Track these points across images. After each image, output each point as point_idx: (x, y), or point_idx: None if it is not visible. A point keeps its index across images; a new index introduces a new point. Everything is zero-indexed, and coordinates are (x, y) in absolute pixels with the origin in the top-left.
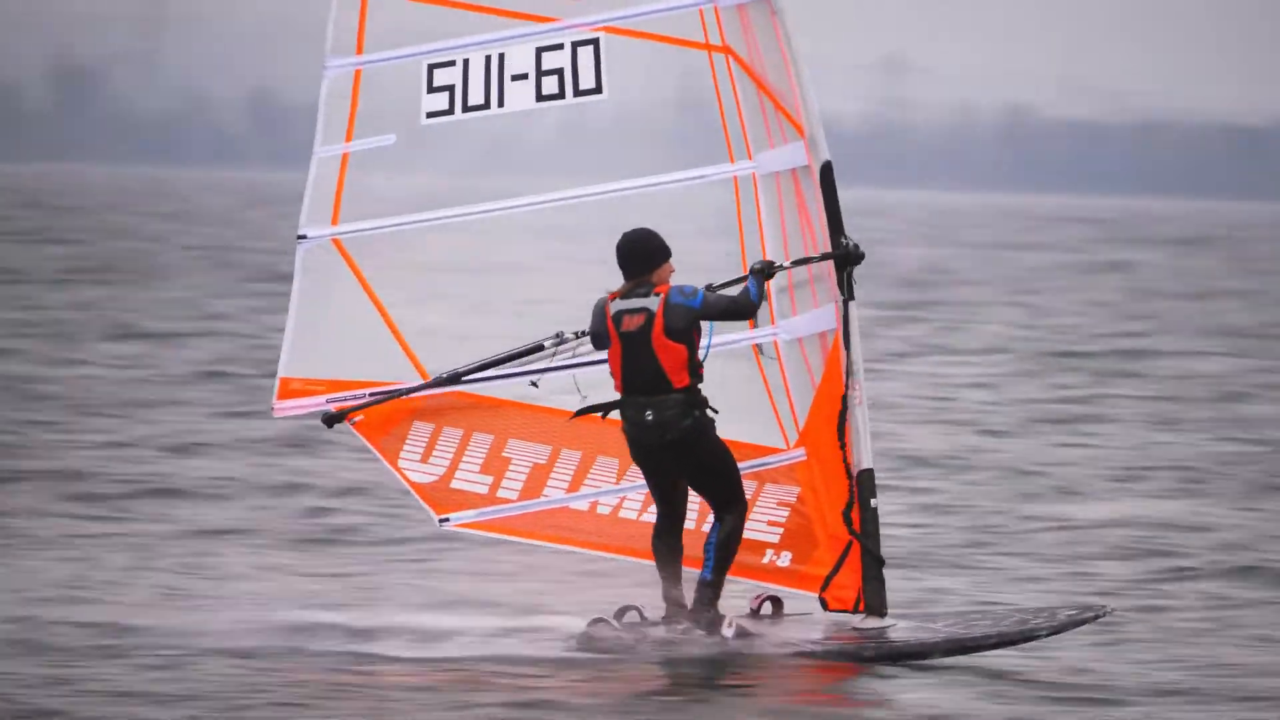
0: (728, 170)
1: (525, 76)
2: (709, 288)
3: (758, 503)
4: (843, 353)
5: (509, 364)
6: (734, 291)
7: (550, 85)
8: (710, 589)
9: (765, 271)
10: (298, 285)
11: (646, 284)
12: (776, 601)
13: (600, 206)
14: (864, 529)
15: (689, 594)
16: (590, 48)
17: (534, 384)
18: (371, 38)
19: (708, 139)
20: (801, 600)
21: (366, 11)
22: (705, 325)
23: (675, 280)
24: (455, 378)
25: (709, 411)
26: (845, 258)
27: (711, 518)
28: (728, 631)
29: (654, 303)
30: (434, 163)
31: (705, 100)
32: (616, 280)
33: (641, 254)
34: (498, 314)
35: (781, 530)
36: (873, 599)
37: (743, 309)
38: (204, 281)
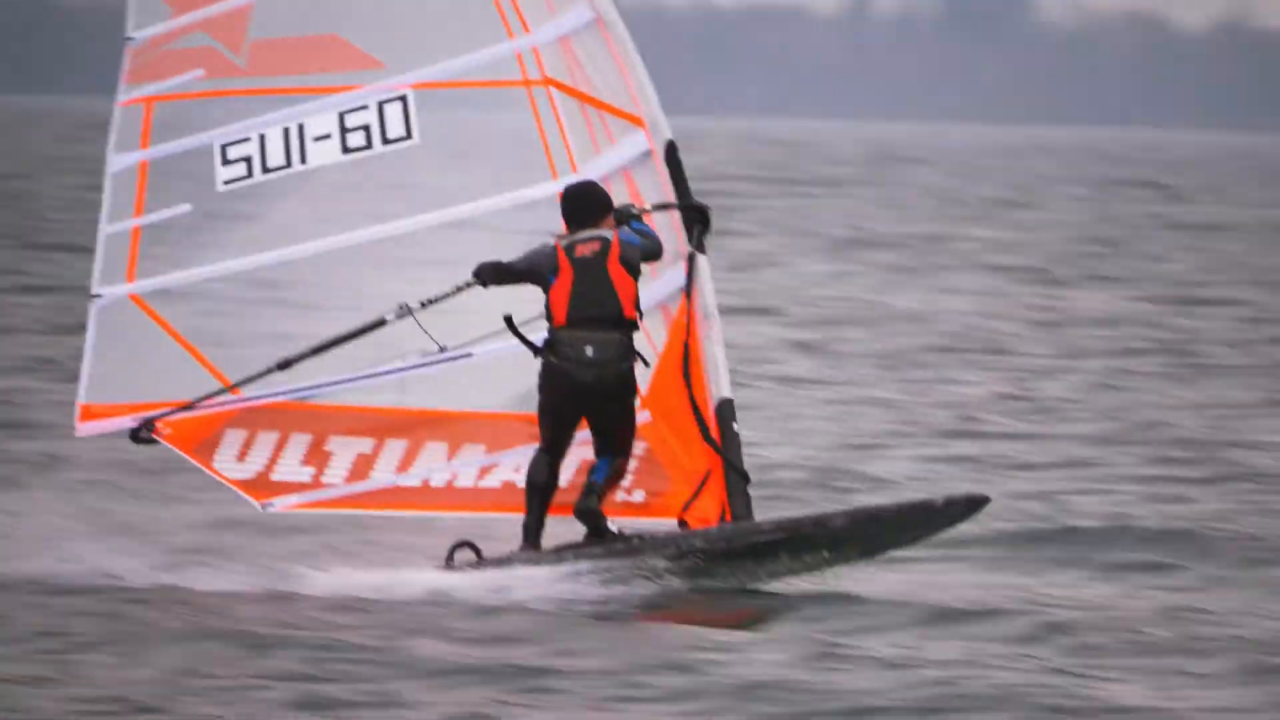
0: (552, 187)
1: (328, 137)
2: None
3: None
4: (693, 301)
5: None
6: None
7: (356, 139)
8: (601, 489)
9: (627, 214)
10: (92, 333)
11: (594, 229)
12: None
13: (429, 233)
14: (727, 449)
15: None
16: (398, 104)
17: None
18: (157, 130)
19: (530, 165)
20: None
21: (152, 110)
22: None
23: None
24: (287, 363)
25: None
26: (703, 211)
27: (600, 459)
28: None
29: (609, 234)
30: (233, 224)
31: (527, 132)
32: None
33: (593, 202)
34: (316, 321)
35: (630, 475)
36: (740, 508)
37: (656, 250)
38: None
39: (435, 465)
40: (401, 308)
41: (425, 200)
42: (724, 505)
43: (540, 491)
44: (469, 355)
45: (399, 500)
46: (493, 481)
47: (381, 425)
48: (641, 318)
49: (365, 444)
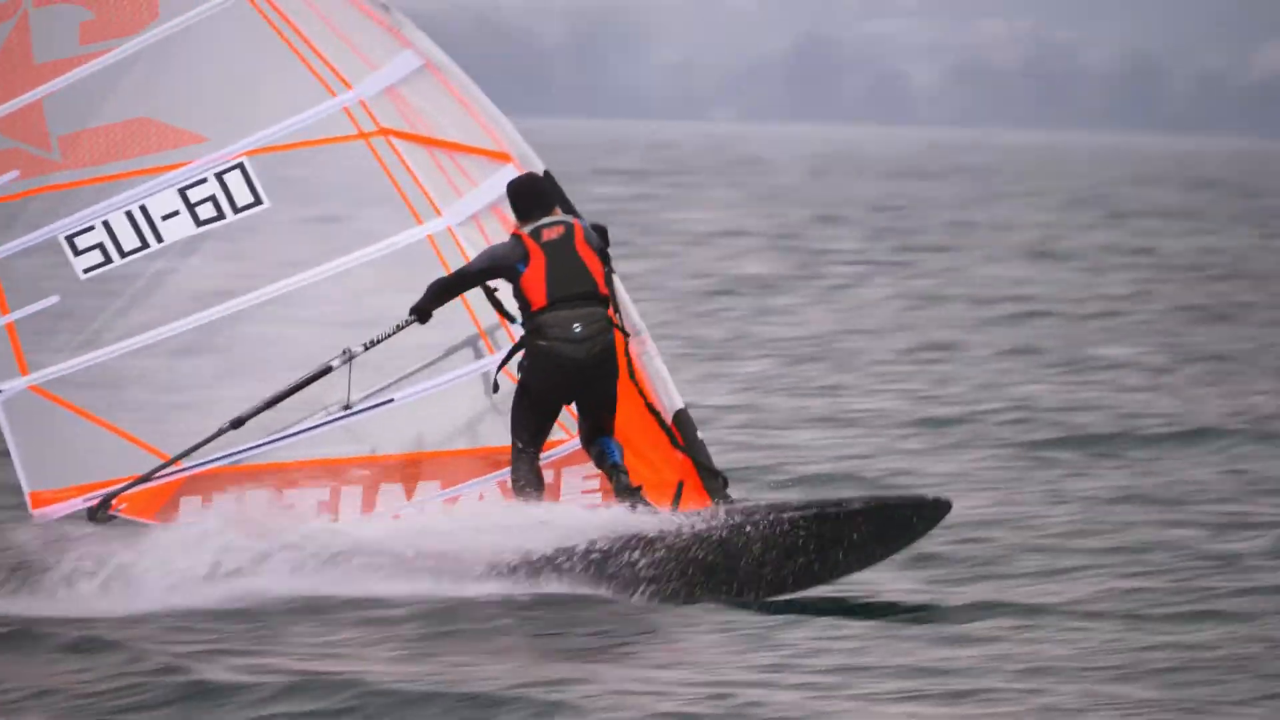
0: (419, 231)
1: (176, 213)
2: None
3: (561, 487)
4: (621, 318)
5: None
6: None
7: (206, 211)
8: (622, 469)
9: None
10: (6, 425)
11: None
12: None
13: (300, 297)
14: (697, 454)
15: None
16: (237, 172)
17: (347, 406)
18: None
19: (392, 217)
20: None
21: None
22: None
23: None
24: (239, 421)
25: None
26: (602, 231)
27: (603, 438)
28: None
29: (568, 219)
30: (109, 304)
31: (376, 182)
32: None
33: (545, 192)
34: (230, 403)
35: (599, 493)
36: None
37: (606, 257)
38: None
39: (397, 505)
40: (345, 352)
41: (292, 261)
42: None
43: (527, 490)
44: (390, 401)
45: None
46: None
47: (329, 475)
48: (613, 298)
49: (321, 493)
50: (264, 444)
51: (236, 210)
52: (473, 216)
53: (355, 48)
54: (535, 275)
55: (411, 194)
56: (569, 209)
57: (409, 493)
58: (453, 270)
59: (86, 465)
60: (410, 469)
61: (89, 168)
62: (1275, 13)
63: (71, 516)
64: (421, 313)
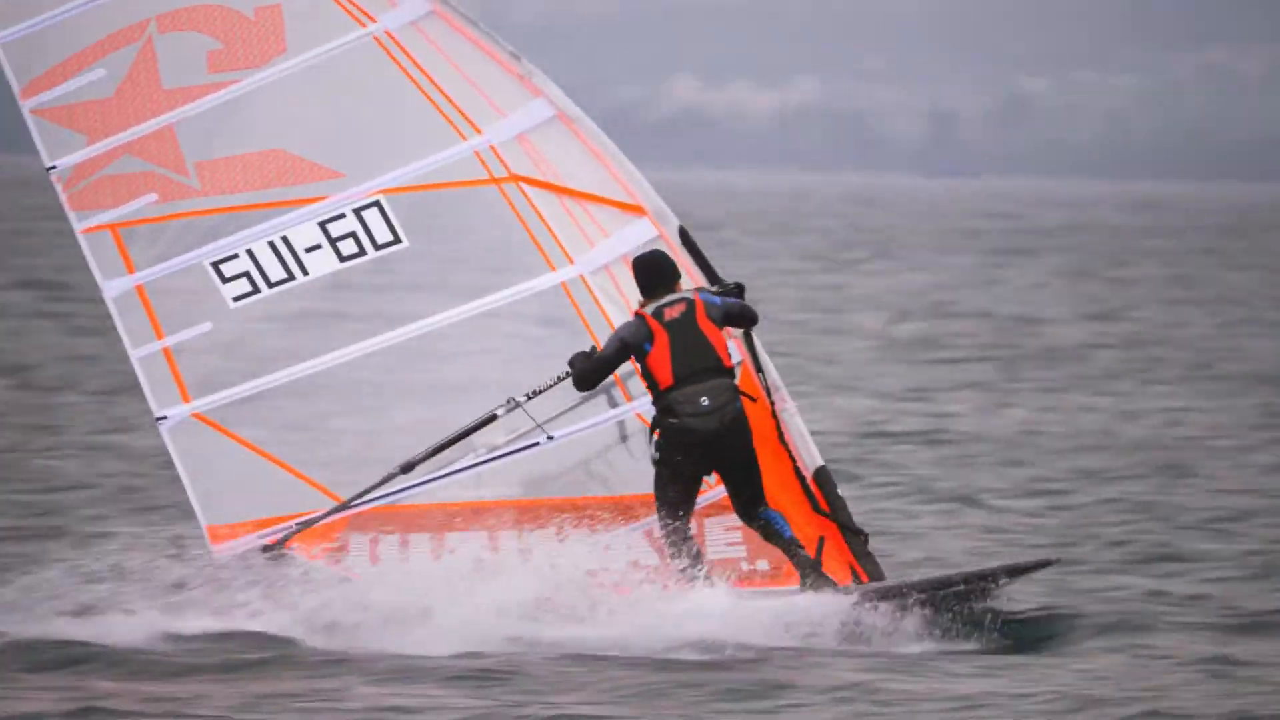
0: (553, 278)
1: (319, 247)
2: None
3: (706, 536)
4: (759, 376)
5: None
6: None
7: (348, 247)
8: (796, 544)
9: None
10: (176, 455)
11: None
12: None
13: (454, 328)
14: (838, 516)
15: None
16: (375, 209)
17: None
18: (135, 255)
19: (526, 261)
20: None
21: (119, 236)
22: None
23: None
24: (409, 466)
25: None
26: (739, 288)
27: (764, 511)
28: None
29: (689, 294)
30: (264, 334)
31: (509, 227)
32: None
33: (668, 269)
34: (386, 434)
35: (744, 546)
36: (871, 568)
37: (751, 315)
38: None
39: (550, 550)
40: (510, 401)
41: (431, 301)
42: (853, 567)
43: (696, 566)
44: (535, 445)
45: None
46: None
47: (477, 517)
48: (755, 355)
49: (481, 537)
50: (424, 483)
51: (377, 248)
52: (605, 266)
53: (485, 94)
54: (661, 355)
55: (544, 240)
56: (705, 264)
57: (559, 539)
58: (586, 319)
59: (255, 499)
60: (555, 514)
61: (227, 195)
62: (687, 48)
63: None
64: (576, 365)
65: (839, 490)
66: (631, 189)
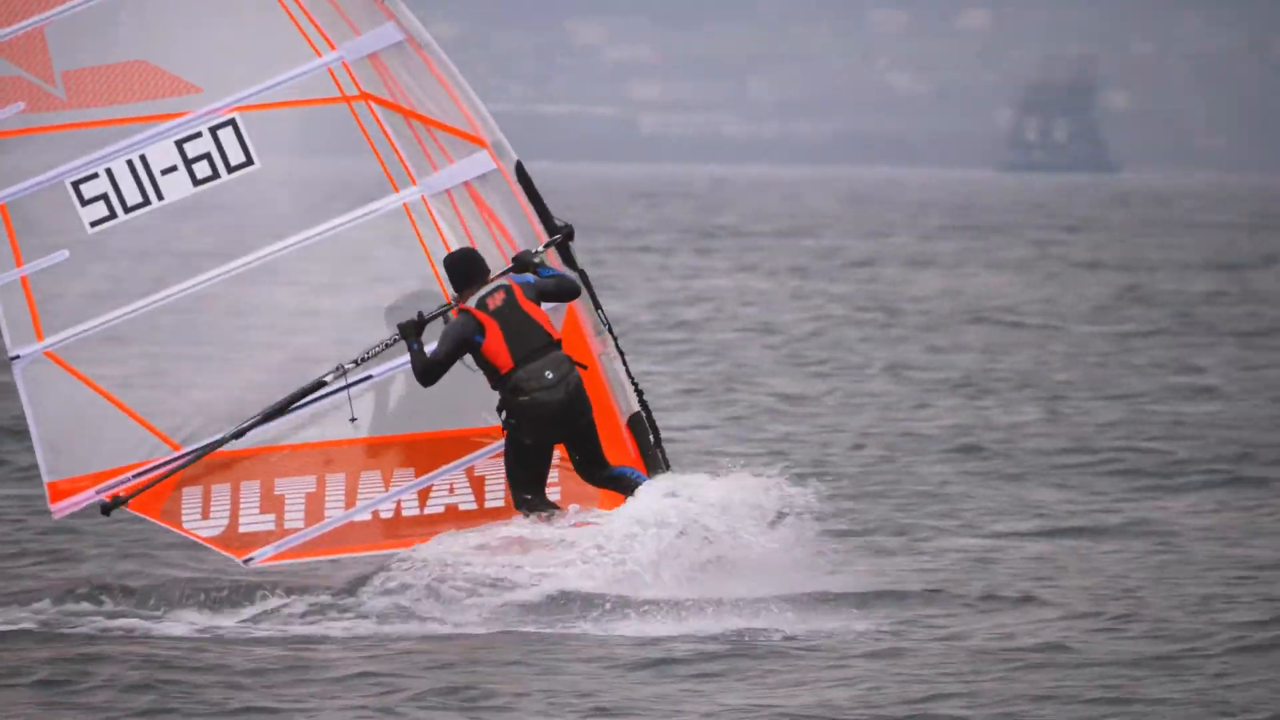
0: (395, 199)
1: (175, 169)
2: (420, 315)
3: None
4: (587, 317)
5: (292, 407)
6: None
7: (203, 169)
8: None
9: (528, 261)
10: (26, 399)
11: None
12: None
13: (289, 262)
14: (648, 463)
15: None
16: (229, 128)
17: (353, 420)
18: (2, 175)
19: (371, 181)
20: None
21: None
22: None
23: None
24: (238, 433)
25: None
26: (568, 235)
27: (609, 470)
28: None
29: (504, 281)
30: (116, 264)
31: (357, 146)
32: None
33: (477, 265)
34: (238, 369)
35: (559, 490)
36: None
37: (569, 289)
38: None
39: (376, 495)
40: (338, 368)
41: (280, 224)
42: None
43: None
44: (369, 378)
45: (361, 540)
46: (436, 507)
47: (315, 461)
48: (593, 296)
49: (309, 482)
50: (248, 427)
51: (230, 170)
52: (446, 190)
53: (343, 11)
54: (495, 342)
55: (389, 161)
56: (539, 201)
57: (386, 480)
58: (425, 242)
59: (99, 450)
60: (384, 454)
61: (90, 109)
62: None
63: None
64: (405, 332)
65: (650, 439)
66: (474, 121)
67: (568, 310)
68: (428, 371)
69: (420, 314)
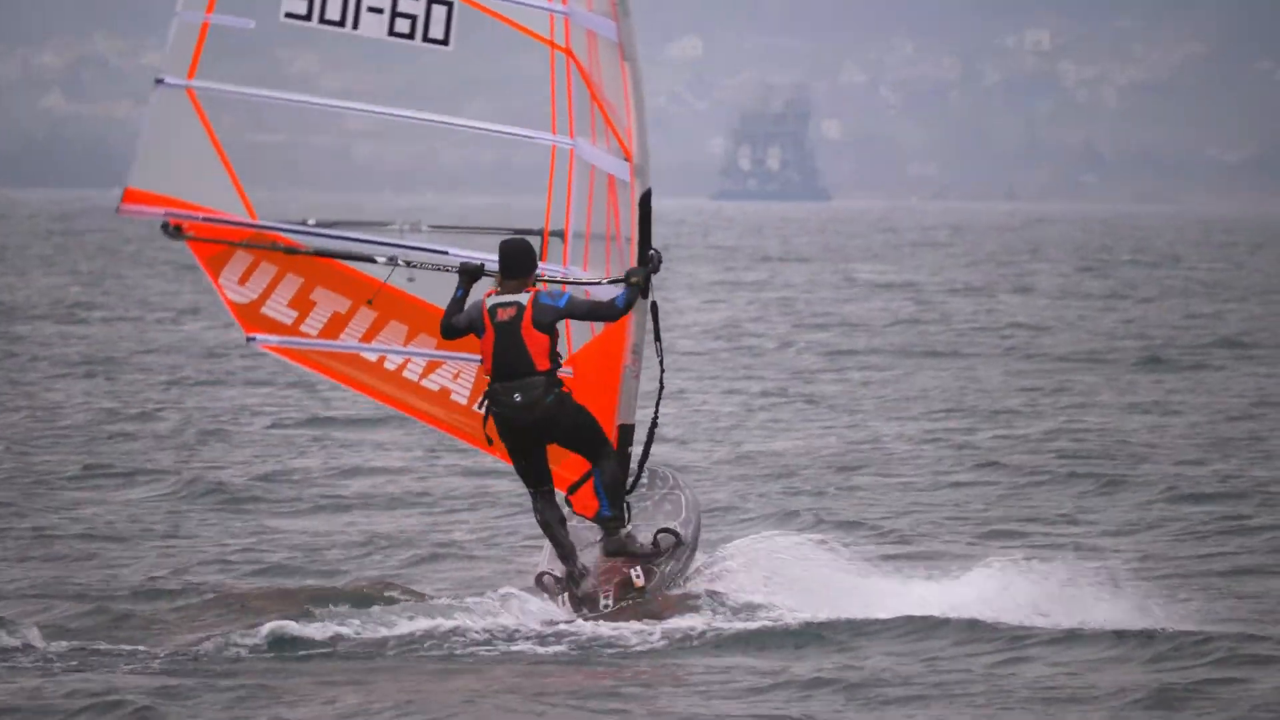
0: (550, 138)
1: (381, 11)
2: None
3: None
4: (630, 336)
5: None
6: (604, 294)
7: (403, 25)
8: (614, 520)
9: (641, 284)
10: (150, 117)
11: (521, 285)
12: (675, 534)
13: (434, 136)
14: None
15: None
16: (445, 7)
17: (410, 279)
18: None
19: (537, 114)
20: None
21: None
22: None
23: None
24: (310, 233)
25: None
26: (656, 265)
27: (593, 468)
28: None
29: (525, 298)
30: (288, 55)
31: (539, 82)
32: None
33: (524, 260)
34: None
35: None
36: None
37: (608, 314)
38: None
39: (393, 344)
40: (390, 260)
41: (442, 101)
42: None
43: (547, 526)
44: (445, 253)
45: (352, 375)
46: (431, 384)
47: (362, 291)
48: (557, 367)
49: (343, 303)
50: (319, 234)
51: (425, 39)
52: (590, 164)
53: None
54: (486, 347)
55: (560, 107)
56: (646, 233)
57: (409, 336)
58: (553, 186)
59: (186, 182)
60: (418, 315)
61: None
62: None
63: None
64: (460, 272)
65: (629, 449)
66: (635, 140)
67: (620, 323)
68: (449, 327)
69: (483, 265)
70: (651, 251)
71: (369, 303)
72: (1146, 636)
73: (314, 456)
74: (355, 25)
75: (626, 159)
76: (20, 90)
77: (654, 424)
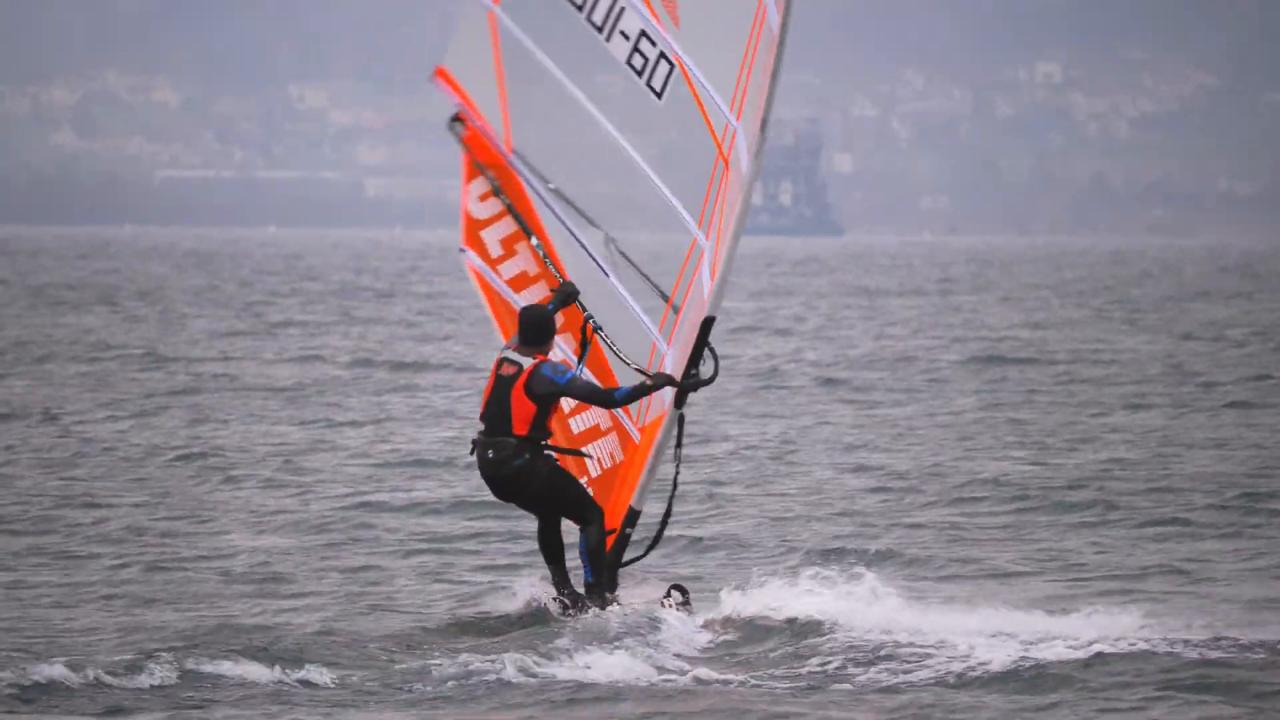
0: (694, 230)
1: (627, 39)
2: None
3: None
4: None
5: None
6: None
7: (638, 61)
8: (596, 587)
9: (654, 386)
10: (467, 18)
11: (531, 352)
12: (682, 590)
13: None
14: (614, 546)
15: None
16: (668, 67)
17: (597, 327)
18: None
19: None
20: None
21: None
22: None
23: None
24: (541, 188)
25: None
26: (693, 387)
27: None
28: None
29: (527, 363)
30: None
31: (701, 174)
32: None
33: (540, 331)
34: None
35: (600, 472)
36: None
37: (604, 400)
38: None
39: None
40: (608, 240)
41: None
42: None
43: (542, 550)
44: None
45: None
46: (601, 451)
47: (549, 271)
48: (540, 436)
49: (533, 267)
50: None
51: (648, 85)
52: (697, 269)
53: (758, 105)
54: (485, 393)
55: (708, 205)
56: (697, 355)
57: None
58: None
59: (480, 93)
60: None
61: None
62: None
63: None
64: (552, 301)
65: (628, 530)
66: (721, 233)
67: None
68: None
69: (574, 288)
70: (693, 371)
71: (553, 291)
72: None
73: (408, 491)
74: (608, 38)
75: (724, 162)
76: (31, 126)
77: (668, 513)
